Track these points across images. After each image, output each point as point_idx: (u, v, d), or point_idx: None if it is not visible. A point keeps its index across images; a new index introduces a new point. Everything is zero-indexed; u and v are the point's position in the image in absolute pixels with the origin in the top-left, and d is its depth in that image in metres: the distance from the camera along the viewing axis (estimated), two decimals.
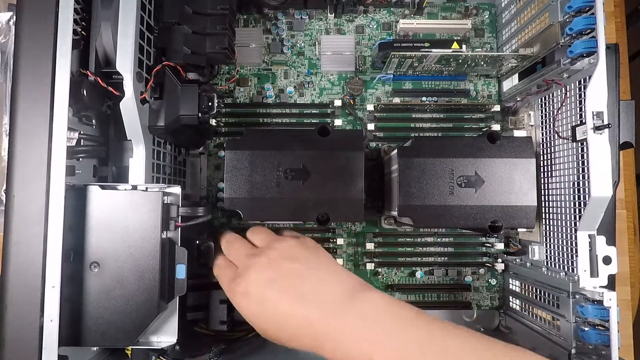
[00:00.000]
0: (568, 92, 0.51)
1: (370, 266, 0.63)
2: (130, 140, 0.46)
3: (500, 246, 0.63)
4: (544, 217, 0.55)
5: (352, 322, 0.37)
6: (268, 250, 0.45)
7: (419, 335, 0.36)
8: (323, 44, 0.65)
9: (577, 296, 0.48)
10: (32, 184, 0.39)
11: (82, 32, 0.46)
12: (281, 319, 0.40)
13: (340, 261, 0.62)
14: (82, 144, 0.47)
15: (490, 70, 0.63)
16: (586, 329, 0.47)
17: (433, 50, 0.56)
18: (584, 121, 0.45)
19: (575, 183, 0.49)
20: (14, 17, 0.41)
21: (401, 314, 0.38)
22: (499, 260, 0.64)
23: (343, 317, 0.38)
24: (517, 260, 0.61)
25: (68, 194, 0.40)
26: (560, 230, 0.52)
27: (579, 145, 0.48)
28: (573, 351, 0.48)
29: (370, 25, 0.67)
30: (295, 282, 0.41)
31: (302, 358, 0.57)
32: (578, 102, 0.49)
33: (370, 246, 0.63)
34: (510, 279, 0.63)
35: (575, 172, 0.48)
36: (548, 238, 0.54)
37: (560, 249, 0.52)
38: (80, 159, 0.48)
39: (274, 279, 0.42)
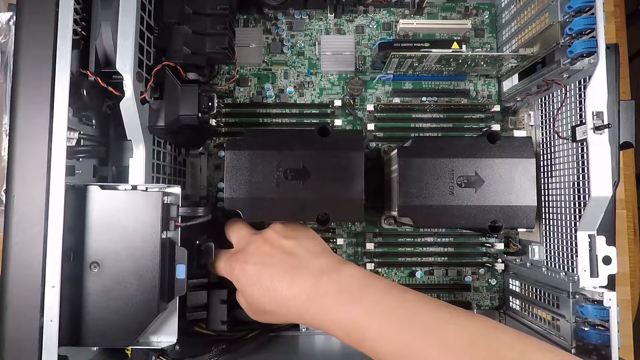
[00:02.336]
0: (568, 92, 0.51)
1: (370, 266, 0.63)
2: (130, 140, 0.46)
3: (500, 246, 0.63)
4: (544, 217, 0.55)
5: (329, 289, 0.42)
6: (266, 230, 0.50)
7: (385, 300, 0.41)
8: (323, 44, 0.65)
9: (577, 296, 0.48)
10: (32, 184, 0.39)
11: (82, 32, 0.46)
12: (270, 291, 0.44)
13: None
14: (82, 144, 0.47)
15: (490, 70, 0.63)
16: (586, 329, 0.47)
17: (433, 50, 0.56)
18: (584, 121, 0.45)
19: (575, 183, 0.49)
20: (14, 17, 0.41)
21: (373, 283, 0.43)
22: (499, 260, 0.64)
23: (323, 285, 0.42)
24: (517, 260, 0.61)
25: (68, 194, 0.40)
26: (560, 230, 0.52)
27: (579, 145, 0.48)
28: (573, 351, 0.48)
29: (370, 25, 0.67)
30: (287, 257, 0.46)
31: (302, 358, 0.58)
32: (578, 102, 0.49)
33: (370, 246, 0.63)
34: (510, 279, 0.63)
35: (575, 172, 0.48)
36: (548, 238, 0.54)
37: (560, 249, 0.52)
38: (80, 159, 0.48)
39: (270, 254, 0.46)
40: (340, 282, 0.42)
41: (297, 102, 0.66)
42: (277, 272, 0.44)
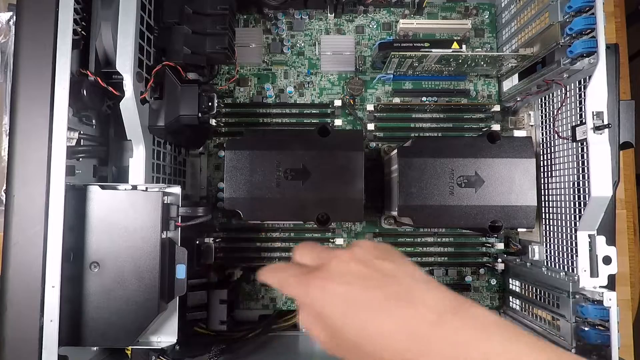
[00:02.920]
0: (568, 92, 0.51)
1: None
2: (130, 140, 0.46)
3: (500, 246, 0.63)
4: (544, 217, 0.55)
5: (463, 331, 0.33)
6: (350, 247, 0.39)
7: (531, 346, 0.31)
8: (323, 44, 0.65)
9: (577, 296, 0.48)
10: (32, 184, 0.39)
11: (82, 32, 0.46)
12: (373, 319, 0.34)
13: None
14: (82, 144, 0.47)
15: (490, 70, 0.63)
16: (586, 329, 0.47)
17: (433, 50, 0.56)
18: (584, 121, 0.45)
19: (575, 183, 0.48)
20: (14, 17, 0.41)
21: (513, 329, 0.34)
22: (499, 260, 0.64)
23: (451, 324, 0.33)
24: (517, 260, 0.61)
25: (68, 194, 0.40)
26: (560, 230, 0.52)
27: (579, 145, 0.48)
28: (573, 351, 0.48)
29: (370, 25, 0.67)
30: (391, 281, 0.35)
31: (302, 358, 0.58)
32: (578, 102, 0.49)
33: None
34: (510, 279, 0.63)
35: (575, 172, 0.48)
36: (548, 238, 0.54)
37: (560, 249, 0.51)
38: (80, 159, 0.48)
39: (366, 274, 0.36)
40: (473, 328, 0.33)
41: (297, 102, 0.66)
42: (376, 297, 0.35)
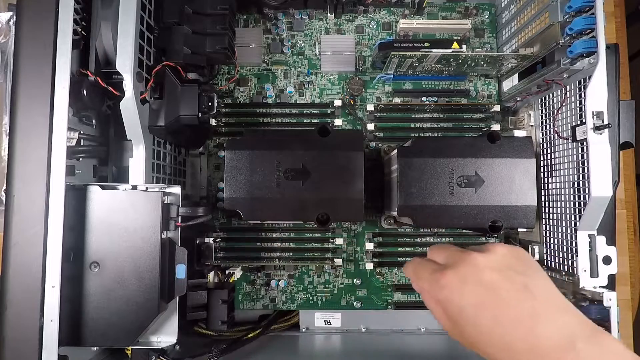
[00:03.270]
0: (568, 92, 0.51)
1: (370, 266, 0.63)
2: (130, 140, 0.46)
3: None
4: (544, 217, 0.55)
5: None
6: (486, 251, 0.38)
7: None
8: (323, 44, 0.65)
9: (577, 296, 0.48)
10: (32, 184, 0.39)
11: (82, 32, 0.46)
12: (498, 331, 0.34)
13: (339, 261, 0.62)
14: (82, 144, 0.47)
15: (490, 70, 0.63)
16: None
17: (433, 50, 0.56)
18: (584, 121, 0.45)
19: (575, 183, 0.49)
20: (14, 17, 0.41)
21: None
22: None
23: (585, 354, 0.32)
24: None
25: (68, 194, 0.40)
26: (560, 230, 0.52)
27: (579, 145, 0.48)
28: None
29: (370, 25, 0.67)
30: (522, 295, 0.35)
31: (302, 358, 0.58)
32: (578, 102, 0.49)
33: (370, 246, 0.63)
34: None
35: (575, 172, 0.48)
36: (548, 238, 0.54)
37: (560, 249, 0.52)
38: (80, 159, 0.48)
39: (496, 284, 0.35)
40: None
41: (297, 102, 0.66)
42: (507, 313, 0.34)
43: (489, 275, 0.36)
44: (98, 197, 0.42)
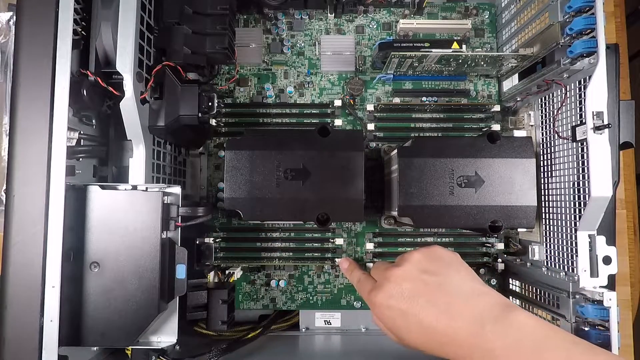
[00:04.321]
0: (568, 92, 0.51)
1: (370, 266, 0.63)
2: (130, 140, 0.46)
3: (500, 246, 0.63)
4: (544, 217, 0.55)
5: (503, 341, 0.36)
6: (403, 263, 0.44)
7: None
8: (323, 44, 0.65)
9: (577, 296, 0.48)
10: (32, 184, 0.39)
11: (82, 32, 0.46)
12: (425, 331, 0.39)
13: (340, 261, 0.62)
14: (82, 144, 0.47)
15: (490, 70, 0.63)
16: (586, 329, 0.47)
17: (433, 50, 0.56)
18: (584, 121, 0.45)
19: (575, 183, 0.48)
20: (14, 17, 0.41)
21: (553, 338, 0.36)
22: (499, 260, 0.64)
23: (493, 335, 0.36)
24: (517, 260, 0.61)
25: (68, 194, 0.40)
26: (560, 230, 0.52)
27: (579, 145, 0.48)
28: None
29: (370, 25, 0.67)
30: (437, 295, 0.40)
31: (302, 358, 0.58)
32: (578, 102, 0.49)
33: (370, 246, 0.63)
34: (510, 279, 0.63)
35: (575, 172, 0.48)
36: (548, 238, 0.54)
37: (560, 249, 0.52)
38: (80, 159, 0.48)
39: (415, 292, 0.40)
40: (508, 337, 0.35)
41: (297, 102, 0.66)
42: (429, 318, 0.39)
43: (407, 286, 0.41)
44: (98, 197, 0.42)
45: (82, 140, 0.46)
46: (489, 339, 0.36)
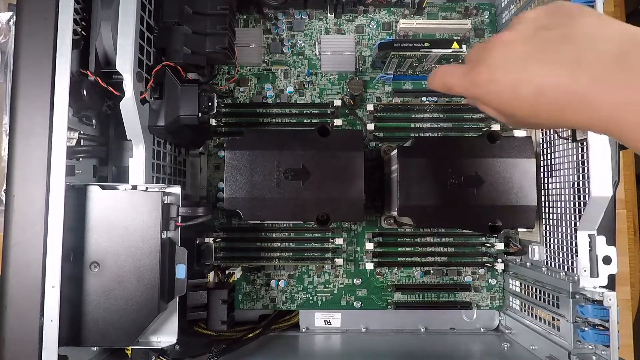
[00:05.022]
0: None
1: (370, 266, 0.63)
2: (130, 140, 0.46)
3: (500, 246, 0.63)
4: (544, 217, 0.55)
5: (631, 86, 0.27)
6: (513, 25, 0.34)
7: None
8: (323, 44, 0.65)
9: (577, 296, 0.48)
10: (32, 184, 0.39)
11: (82, 32, 0.46)
12: (541, 97, 0.30)
13: (340, 261, 0.62)
14: (82, 144, 0.47)
15: None
16: (586, 329, 0.47)
17: (433, 50, 0.56)
18: None
19: (575, 183, 0.49)
20: (14, 17, 0.41)
21: None
22: (499, 260, 0.64)
23: (620, 80, 0.28)
24: (517, 260, 0.61)
25: (68, 194, 0.40)
26: (560, 230, 0.52)
27: (579, 145, 0.48)
28: (573, 351, 0.48)
29: (370, 25, 0.67)
30: (560, 49, 0.30)
31: (302, 358, 0.58)
32: None
33: (370, 246, 0.63)
34: (510, 279, 0.63)
35: (575, 172, 0.48)
36: (548, 238, 0.54)
37: (560, 249, 0.51)
38: (80, 159, 0.48)
39: (529, 53, 0.31)
40: None
41: (297, 102, 0.66)
42: (544, 72, 0.30)
43: (520, 48, 0.32)
44: (98, 197, 0.42)
45: (82, 140, 0.46)
46: (617, 82, 0.28)
